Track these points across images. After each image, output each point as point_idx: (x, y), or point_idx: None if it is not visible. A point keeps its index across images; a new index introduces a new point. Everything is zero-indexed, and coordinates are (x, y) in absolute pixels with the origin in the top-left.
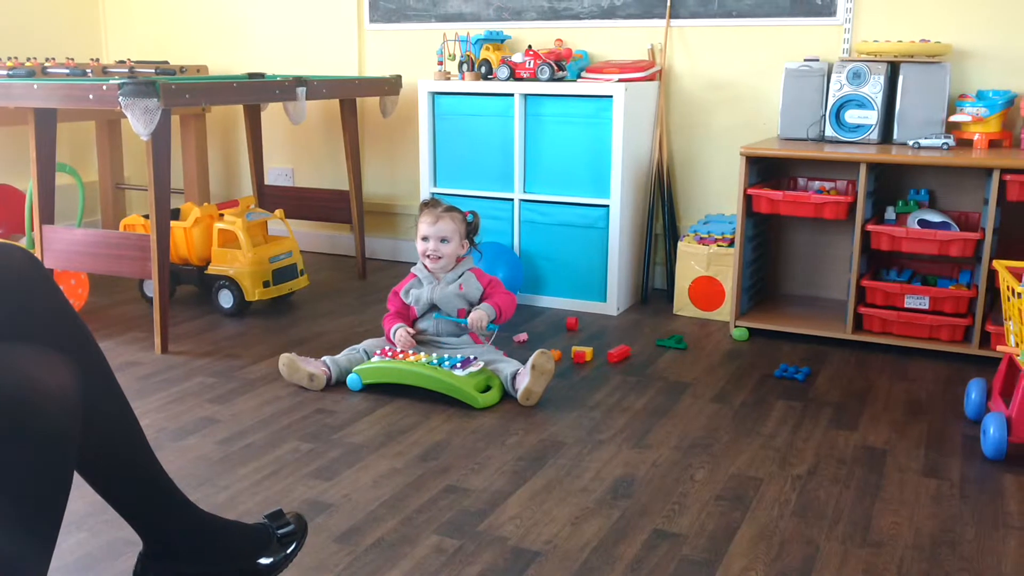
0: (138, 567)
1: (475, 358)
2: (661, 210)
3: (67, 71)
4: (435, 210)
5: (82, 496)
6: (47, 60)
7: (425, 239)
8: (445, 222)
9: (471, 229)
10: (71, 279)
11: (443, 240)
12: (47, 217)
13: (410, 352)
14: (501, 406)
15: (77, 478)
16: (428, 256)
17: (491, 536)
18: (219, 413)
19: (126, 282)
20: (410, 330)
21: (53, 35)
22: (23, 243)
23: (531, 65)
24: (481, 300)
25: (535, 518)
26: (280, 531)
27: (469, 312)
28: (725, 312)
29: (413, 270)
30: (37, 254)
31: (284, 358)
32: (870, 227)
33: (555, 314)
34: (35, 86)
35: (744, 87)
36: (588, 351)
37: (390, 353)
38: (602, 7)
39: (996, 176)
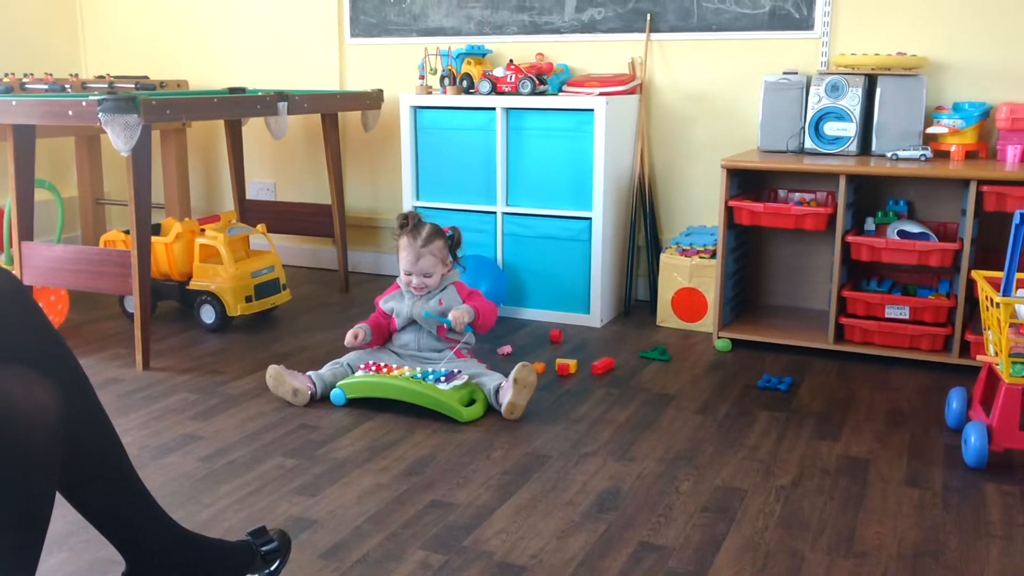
0: None
1: (459, 372)
2: (643, 222)
3: (46, 87)
4: (415, 243)
5: (64, 515)
6: (25, 76)
7: (408, 273)
8: (426, 259)
9: (453, 245)
10: (51, 296)
11: (426, 276)
12: (26, 233)
13: (394, 366)
14: (485, 420)
15: (58, 497)
16: (412, 287)
17: (477, 551)
18: (201, 430)
19: (107, 298)
20: (361, 330)
21: (32, 50)
22: (1, 260)
23: (512, 79)
24: None
25: (521, 532)
26: (264, 548)
27: (449, 330)
28: (708, 323)
29: (398, 281)
30: (16, 271)
31: (272, 370)
32: (850, 238)
33: (539, 326)
34: (13, 102)
35: (724, 100)
36: (572, 363)
37: (374, 367)
38: (583, 21)
39: (973, 187)
